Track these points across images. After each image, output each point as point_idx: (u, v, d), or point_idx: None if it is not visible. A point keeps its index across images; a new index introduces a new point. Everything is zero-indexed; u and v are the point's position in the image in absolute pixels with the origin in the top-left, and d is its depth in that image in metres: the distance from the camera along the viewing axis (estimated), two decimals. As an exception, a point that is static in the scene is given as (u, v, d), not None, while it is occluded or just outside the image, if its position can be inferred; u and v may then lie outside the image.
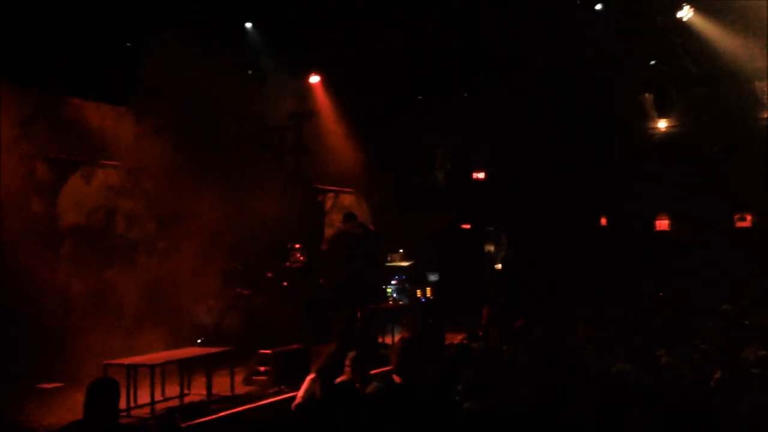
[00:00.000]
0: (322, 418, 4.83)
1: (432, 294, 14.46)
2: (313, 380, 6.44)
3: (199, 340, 9.84)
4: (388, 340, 11.16)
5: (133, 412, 7.32)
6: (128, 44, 8.86)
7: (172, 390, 7.93)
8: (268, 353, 8.83)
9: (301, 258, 11.79)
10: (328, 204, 14.36)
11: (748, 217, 15.13)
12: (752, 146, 14.56)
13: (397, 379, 6.29)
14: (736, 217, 15.20)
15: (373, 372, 6.64)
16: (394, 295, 13.51)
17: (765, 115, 14.67)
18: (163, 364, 7.64)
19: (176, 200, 10.47)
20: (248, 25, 11.07)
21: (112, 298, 9.79)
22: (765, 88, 14.69)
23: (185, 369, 8.02)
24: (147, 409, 7.34)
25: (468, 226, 16.97)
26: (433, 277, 14.79)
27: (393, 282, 13.56)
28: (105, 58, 8.49)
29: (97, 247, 9.78)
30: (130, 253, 10.10)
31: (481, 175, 16.85)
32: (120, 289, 9.92)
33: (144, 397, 7.43)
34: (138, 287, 10.07)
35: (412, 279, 13.89)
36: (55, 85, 8.38)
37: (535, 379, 5.62)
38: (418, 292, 13.65)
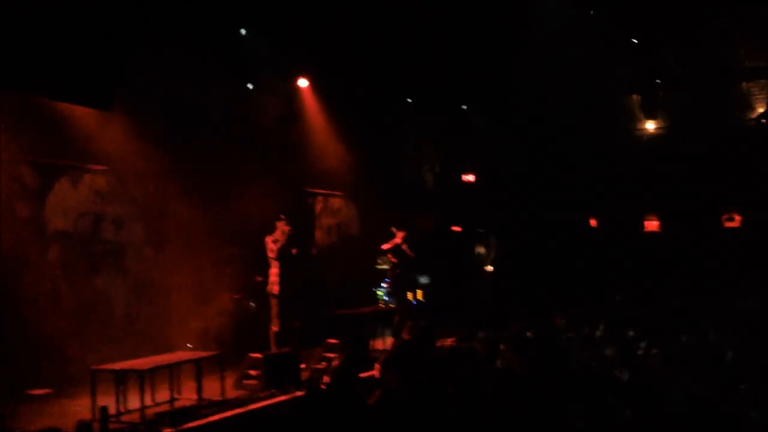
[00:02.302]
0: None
1: (423, 297, 14.44)
2: None
3: (189, 345, 9.79)
4: (378, 343, 11.15)
5: (123, 418, 7.28)
6: (118, 49, 8.77)
7: (162, 395, 7.88)
8: (258, 357, 8.80)
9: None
10: (318, 207, 14.33)
11: (737, 218, 15.22)
12: (739, 147, 14.67)
13: (391, 382, 6.27)
14: (725, 217, 15.28)
15: (363, 375, 6.59)
16: (385, 298, 13.48)
17: (752, 116, 14.77)
18: (153, 369, 7.60)
19: (164, 205, 10.42)
20: (243, 31, 11.03)
21: (101, 303, 9.74)
22: (751, 89, 14.81)
23: (175, 374, 7.98)
24: (137, 415, 7.28)
25: (458, 229, 16.97)
26: (423, 280, 14.76)
27: (383, 285, 13.53)
28: (91, 62, 8.42)
29: (86, 252, 9.71)
30: (119, 259, 10.05)
31: (470, 177, 16.86)
32: (109, 295, 9.88)
33: (134, 403, 7.38)
34: (127, 292, 10.04)
35: (402, 281, 13.81)
36: (40, 89, 8.28)
37: (525, 381, 5.63)
38: (409, 295, 13.61)
